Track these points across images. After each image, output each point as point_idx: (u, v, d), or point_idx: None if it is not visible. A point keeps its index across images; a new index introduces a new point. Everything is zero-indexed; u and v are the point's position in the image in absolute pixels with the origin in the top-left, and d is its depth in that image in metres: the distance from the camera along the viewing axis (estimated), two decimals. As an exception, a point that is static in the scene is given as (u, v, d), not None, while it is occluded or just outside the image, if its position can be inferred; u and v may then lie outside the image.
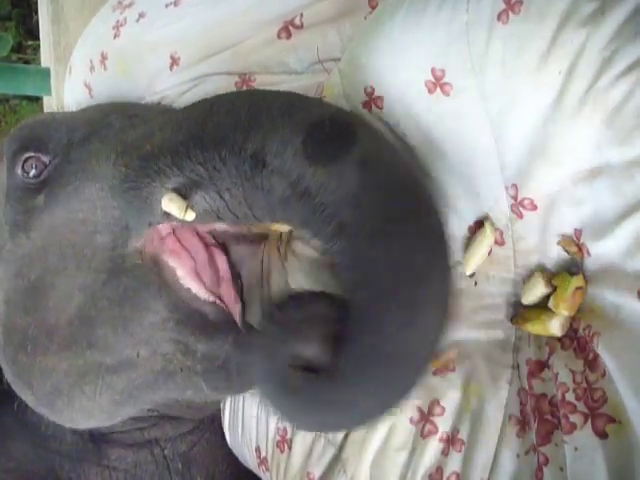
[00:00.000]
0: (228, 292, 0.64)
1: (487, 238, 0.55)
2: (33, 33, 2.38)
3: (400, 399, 0.50)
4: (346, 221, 0.46)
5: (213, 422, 0.82)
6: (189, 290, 0.59)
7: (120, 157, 0.57)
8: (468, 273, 0.57)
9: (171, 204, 0.53)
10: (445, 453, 0.57)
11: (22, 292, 0.60)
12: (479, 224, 0.57)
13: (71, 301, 0.58)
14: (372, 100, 0.57)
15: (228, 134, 0.50)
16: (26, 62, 2.45)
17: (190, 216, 0.53)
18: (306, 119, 0.48)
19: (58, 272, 0.58)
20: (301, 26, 0.74)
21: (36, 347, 0.59)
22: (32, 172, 0.62)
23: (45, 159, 0.63)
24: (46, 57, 1.65)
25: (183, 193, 0.53)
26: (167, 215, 0.55)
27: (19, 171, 0.63)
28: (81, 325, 0.58)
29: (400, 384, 0.48)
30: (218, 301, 0.61)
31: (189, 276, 0.60)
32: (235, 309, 0.63)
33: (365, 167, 0.46)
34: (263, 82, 0.75)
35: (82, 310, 0.57)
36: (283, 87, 0.74)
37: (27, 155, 0.63)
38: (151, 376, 0.59)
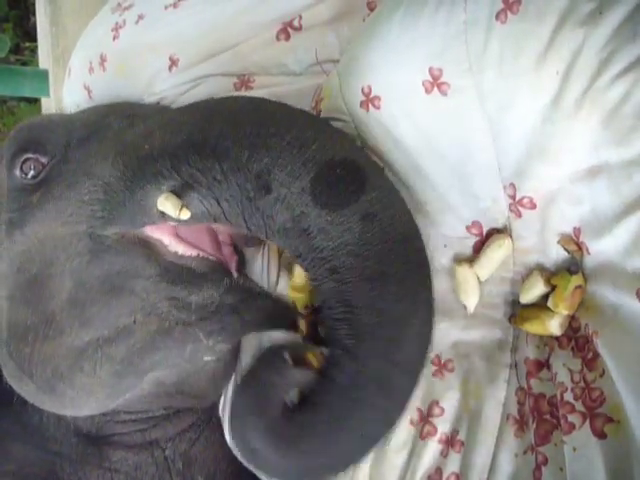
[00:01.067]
0: (226, 248, 0.67)
1: (505, 249, 0.55)
2: (31, 34, 2.37)
3: (388, 431, 0.52)
4: (339, 267, 0.48)
5: (211, 419, 0.82)
6: (176, 253, 0.61)
7: (119, 156, 0.57)
8: (482, 280, 0.57)
9: (166, 202, 0.53)
10: (444, 454, 0.57)
11: (24, 286, 0.61)
12: (491, 231, 0.57)
13: (63, 287, 0.59)
14: (369, 100, 0.57)
15: (230, 147, 0.50)
16: (24, 63, 2.44)
17: (185, 215, 0.53)
18: (318, 157, 0.49)
19: (52, 262, 0.59)
20: (300, 28, 0.74)
21: (36, 336, 0.60)
22: (30, 173, 0.63)
23: (43, 160, 0.63)
24: (44, 58, 1.65)
25: (178, 193, 0.53)
26: (162, 215, 0.55)
27: (17, 172, 0.63)
28: (72, 308, 0.59)
29: (388, 419, 0.51)
30: (201, 253, 0.62)
31: (175, 240, 0.61)
32: (232, 260, 0.67)
33: (368, 221, 0.48)
34: (262, 83, 0.75)
35: (72, 294, 0.59)
36: (282, 88, 0.74)
37: (25, 157, 0.63)
38: (149, 338, 0.60)
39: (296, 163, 0.48)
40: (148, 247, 0.60)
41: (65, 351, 0.60)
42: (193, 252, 0.61)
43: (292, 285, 0.62)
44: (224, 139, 0.50)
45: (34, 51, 2.28)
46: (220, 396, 0.81)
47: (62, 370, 0.61)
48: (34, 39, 1.87)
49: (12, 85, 1.77)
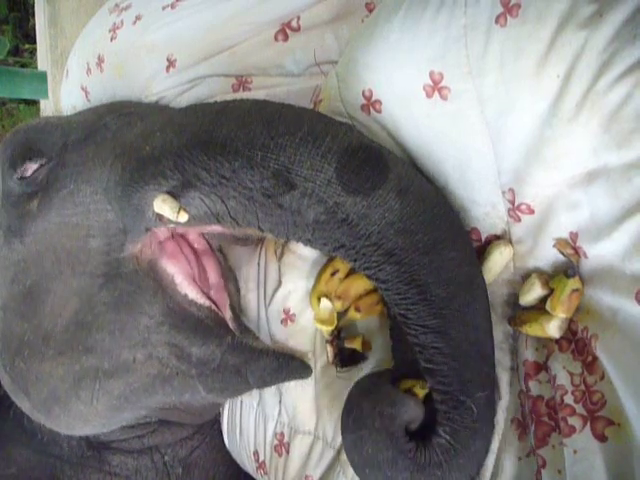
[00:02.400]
0: (219, 297, 0.65)
1: (506, 256, 0.55)
2: (30, 36, 2.38)
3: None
4: (393, 249, 0.49)
5: (213, 426, 0.81)
6: (186, 295, 0.60)
7: (118, 159, 0.56)
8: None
9: (164, 205, 0.53)
10: None
11: (18, 298, 0.60)
12: (490, 237, 0.57)
13: (67, 306, 0.58)
14: (370, 103, 0.57)
15: (241, 149, 0.50)
16: (23, 65, 2.45)
17: (183, 218, 0.52)
18: (335, 148, 0.49)
19: (54, 277, 0.58)
20: (298, 29, 0.74)
21: (33, 353, 0.59)
22: (27, 177, 0.62)
23: (40, 164, 0.62)
24: (43, 60, 1.66)
25: (175, 194, 0.53)
26: (160, 217, 0.54)
27: (14, 177, 0.62)
28: (77, 330, 0.58)
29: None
30: (213, 306, 0.61)
31: (186, 281, 0.60)
32: (225, 313, 0.65)
33: (403, 196, 0.49)
34: (260, 84, 0.75)
35: (78, 315, 0.57)
36: (280, 89, 0.74)
37: (22, 160, 0.62)
38: (148, 380, 0.59)
39: (315, 157, 0.49)
40: (158, 280, 0.59)
41: (63, 373, 0.59)
42: (205, 301, 0.61)
43: (318, 318, 0.62)
44: (233, 140, 0.50)
45: (33, 53, 2.28)
46: (218, 413, 0.81)
47: (59, 394, 0.60)
48: (33, 41, 1.87)
49: (11, 87, 1.77)
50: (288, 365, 0.61)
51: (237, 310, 0.69)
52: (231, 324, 0.64)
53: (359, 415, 0.53)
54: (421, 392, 0.54)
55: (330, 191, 0.48)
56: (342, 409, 0.56)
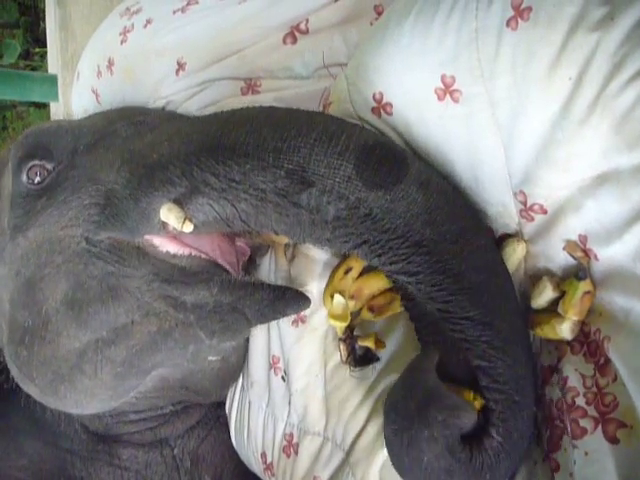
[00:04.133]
0: (241, 241, 0.68)
1: (519, 254, 0.55)
2: (40, 40, 2.40)
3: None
4: (421, 240, 0.49)
5: (219, 419, 0.82)
6: (167, 252, 0.60)
7: (125, 164, 0.57)
8: None
9: (169, 214, 0.53)
10: None
11: (20, 289, 0.62)
12: (502, 236, 0.57)
13: (57, 289, 0.59)
14: (381, 106, 0.57)
15: (252, 152, 0.50)
16: (33, 69, 2.47)
17: (188, 228, 0.53)
18: (352, 146, 0.49)
19: (46, 265, 0.60)
20: (307, 31, 0.74)
21: (33, 339, 0.61)
22: (36, 179, 0.63)
23: (49, 166, 0.64)
24: (53, 64, 1.67)
25: (183, 202, 0.53)
26: (164, 226, 0.55)
27: (24, 178, 0.64)
28: (68, 309, 0.59)
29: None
30: (194, 252, 0.61)
31: (165, 240, 0.61)
32: (245, 254, 0.68)
33: (425, 188, 0.49)
34: (268, 87, 0.76)
35: (67, 295, 0.59)
36: (288, 92, 0.74)
37: (32, 163, 0.64)
38: (149, 338, 0.60)
39: (332, 155, 0.49)
40: (139, 247, 0.60)
41: (65, 353, 0.60)
42: (185, 250, 0.61)
43: (332, 314, 0.63)
44: (242, 145, 0.51)
45: (43, 57, 2.30)
46: (226, 395, 0.81)
47: (63, 372, 0.61)
48: (44, 44, 1.89)
49: (22, 90, 1.79)
50: (285, 295, 0.61)
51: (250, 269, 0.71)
52: (245, 259, 0.66)
53: (414, 419, 0.50)
54: (477, 404, 0.51)
55: (351, 187, 0.49)
56: (387, 404, 0.54)
